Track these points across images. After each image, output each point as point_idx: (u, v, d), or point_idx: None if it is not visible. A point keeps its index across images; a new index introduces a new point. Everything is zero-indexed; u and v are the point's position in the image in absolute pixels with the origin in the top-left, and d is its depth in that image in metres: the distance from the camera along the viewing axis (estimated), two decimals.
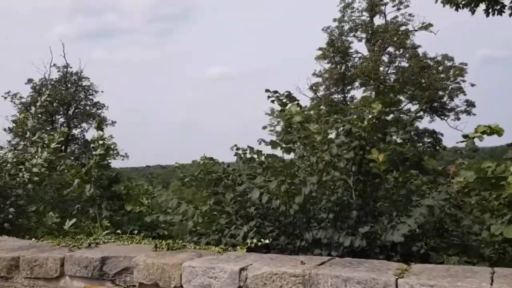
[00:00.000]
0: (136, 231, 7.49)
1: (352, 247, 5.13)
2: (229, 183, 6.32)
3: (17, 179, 7.21)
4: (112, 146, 8.43)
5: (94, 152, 7.64)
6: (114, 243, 4.90)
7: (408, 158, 6.61)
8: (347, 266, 3.40)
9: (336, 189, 5.69)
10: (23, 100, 42.97)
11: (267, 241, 4.40)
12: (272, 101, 5.94)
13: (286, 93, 6.20)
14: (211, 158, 6.72)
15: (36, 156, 7.50)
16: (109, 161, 7.94)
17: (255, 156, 6.06)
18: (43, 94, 11.61)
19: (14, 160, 7.53)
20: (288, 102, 6.14)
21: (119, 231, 5.56)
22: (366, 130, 5.44)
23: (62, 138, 8.13)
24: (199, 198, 7.61)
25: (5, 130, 8.58)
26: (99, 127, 7.91)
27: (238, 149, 6.30)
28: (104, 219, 7.79)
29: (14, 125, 8.61)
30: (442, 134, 30.72)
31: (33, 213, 7.45)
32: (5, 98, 42.74)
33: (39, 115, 8.74)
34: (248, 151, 6.20)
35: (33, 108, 8.70)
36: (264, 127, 32.28)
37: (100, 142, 7.68)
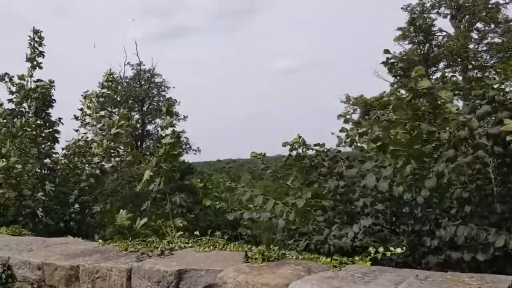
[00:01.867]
0: (217, 232, 6.54)
1: (506, 248, 3.76)
2: (324, 170, 5.10)
3: (78, 171, 6.42)
4: (183, 138, 7.37)
5: (163, 141, 6.70)
6: (192, 248, 3.84)
7: None
8: None
9: (474, 174, 4.30)
10: (101, 99, 44.06)
11: (398, 250, 3.14)
12: (391, 65, 4.58)
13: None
14: (304, 140, 5.48)
15: (97, 145, 6.70)
16: (181, 151, 6.96)
17: (368, 129, 4.79)
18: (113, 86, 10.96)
19: (79, 150, 6.76)
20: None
21: (197, 232, 4.53)
22: None
23: (123, 122, 7.28)
24: (283, 190, 6.47)
25: (74, 117, 7.74)
26: (168, 112, 6.94)
27: (347, 120, 5.04)
28: (177, 216, 6.84)
29: (80, 112, 7.82)
30: None
31: (100, 212, 6.63)
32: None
33: (105, 99, 7.97)
34: (361, 124, 4.94)
35: (95, 91, 7.97)
36: (340, 116, 30.62)
37: (170, 129, 6.73)
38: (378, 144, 4.25)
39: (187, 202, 6.94)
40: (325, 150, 5.48)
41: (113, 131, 7.26)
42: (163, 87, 46.57)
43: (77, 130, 7.62)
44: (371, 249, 3.14)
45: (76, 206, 6.35)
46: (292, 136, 5.51)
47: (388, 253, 3.09)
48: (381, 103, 27.84)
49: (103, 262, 3.81)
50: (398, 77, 4.43)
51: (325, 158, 5.17)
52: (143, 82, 46.43)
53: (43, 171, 7.14)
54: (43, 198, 6.50)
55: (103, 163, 7.21)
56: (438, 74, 28.35)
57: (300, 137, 5.62)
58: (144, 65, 45.79)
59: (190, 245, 3.87)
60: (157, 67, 54.47)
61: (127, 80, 45.70)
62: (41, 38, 7.93)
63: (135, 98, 44.34)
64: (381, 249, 3.12)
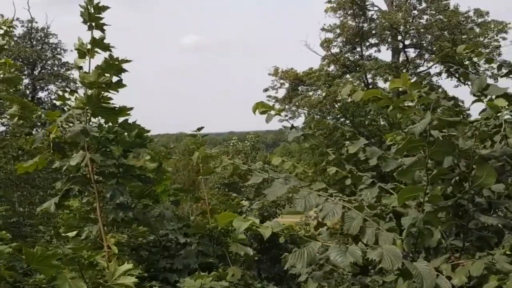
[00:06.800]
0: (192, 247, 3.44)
1: None
2: None
3: None
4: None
5: (85, 80, 3.37)
6: None
7: None
8: None
9: None
10: None
11: None
12: None
13: None
14: None
15: None
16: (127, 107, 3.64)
17: None
18: None
19: None
20: None
21: None
22: None
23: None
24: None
25: None
26: (94, 19, 3.58)
27: None
28: (114, 224, 3.61)
29: None
30: (462, 102, 26.78)
31: None
32: None
33: None
34: None
35: None
36: (266, 89, 27.72)
37: (103, 53, 3.45)
38: None
39: (131, 198, 3.70)
40: None
41: None
42: (58, 49, 40.86)
43: None
44: None
45: None
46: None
47: None
48: (311, 78, 25.59)
49: None
50: None
51: None
52: (35, 42, 40.53)
53: None
54: None
55: None
56: (371, 51, 26.70)
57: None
58: (36, 22, 39.82)
59: None
60: (54, 31, 48.25)
61: (16, 38, 39.52)
62: None
63: (24, 59, 38.59)
64: None
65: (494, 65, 3.52)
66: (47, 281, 2.73)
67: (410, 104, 2.46)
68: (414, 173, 2.33)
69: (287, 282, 11.78)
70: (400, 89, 2.79)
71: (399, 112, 2.43)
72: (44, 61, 40.48)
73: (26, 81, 40.74)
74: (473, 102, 3.16)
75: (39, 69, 40.66)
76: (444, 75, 26.43)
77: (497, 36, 23.91)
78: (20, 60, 38.49)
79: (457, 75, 26.61)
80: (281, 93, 27.41)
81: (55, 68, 40.57)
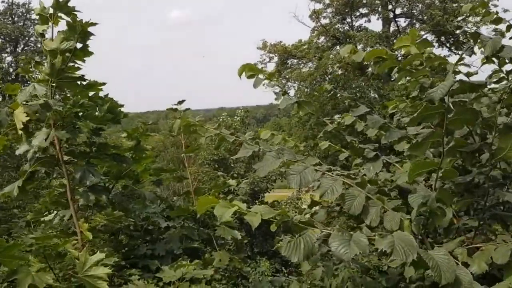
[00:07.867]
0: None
1: None
2: None
3: None
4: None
5: (47, 47, 2.99)
6: None
7: None
8: None
9: None
10: None
11: None
12: None
13: None
14: None
15: None
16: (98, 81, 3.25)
17: None
18: None
19: None
20: None
21: None
22: None
23: None
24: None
25: None
26: None
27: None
28: (87, 209, 3.27)
29: None
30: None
31: None
32: None
33: None
34: None
35: None
36: (255, 64, 26.96)
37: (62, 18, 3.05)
38: None
39: (107, 179, 3.36)
40: None
41: None
42: None
43: None
44: None
45: None
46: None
47: None
48: (300, 51, 25.08)
49: None
50: None
51: None
52: (16, 19, 39.71)
53: None
54: None
55: None
56: (361, 21, 26.17)
57: None
58: None
59: None
60: (35, 6, 46.96)
61: None
62: None
63: (6, 36, 37.90)
64: None
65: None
66: (7, 275, 2.40)
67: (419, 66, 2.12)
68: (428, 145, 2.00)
69: (280, 256, 11.58)
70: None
71: (407, 75, 2.10)
72: (26, 38, 39.75)
73: (9, 58, 39.98)
74: (483, 63, 2.84)
75: (22, 46, 39.99)
76: (435, 44, 26.06)
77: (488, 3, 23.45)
78: (2, 37, 37.74)
79: (448, 45, 26.31)
80: (270, 67, 26.97)
81: (39, 45, 39.76)
